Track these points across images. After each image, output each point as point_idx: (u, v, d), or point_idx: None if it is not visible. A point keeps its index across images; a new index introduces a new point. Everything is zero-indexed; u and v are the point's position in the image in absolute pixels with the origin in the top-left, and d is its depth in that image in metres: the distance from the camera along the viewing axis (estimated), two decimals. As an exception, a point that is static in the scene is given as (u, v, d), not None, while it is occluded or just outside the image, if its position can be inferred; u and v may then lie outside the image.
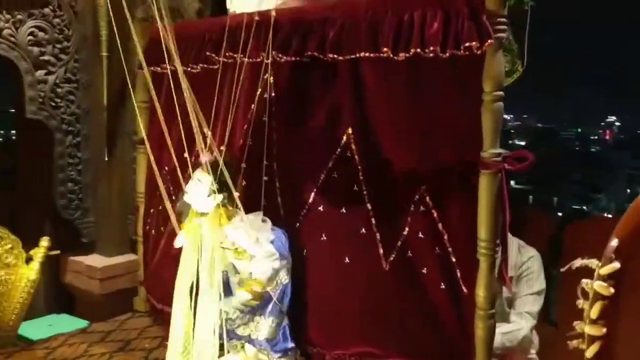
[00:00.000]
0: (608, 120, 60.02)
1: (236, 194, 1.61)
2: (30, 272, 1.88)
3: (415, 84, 1.51)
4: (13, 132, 4.19)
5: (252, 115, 1.73)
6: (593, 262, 0.98)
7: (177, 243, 1.70)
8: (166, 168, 2.01)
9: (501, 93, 1.37)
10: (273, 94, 1.71)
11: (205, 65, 1.80)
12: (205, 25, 1.78)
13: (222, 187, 1.62)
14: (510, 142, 48.66)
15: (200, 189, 1.57)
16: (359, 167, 1.63)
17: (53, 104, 3.10)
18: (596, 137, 53.72)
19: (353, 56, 1.55)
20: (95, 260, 3.18)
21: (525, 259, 2.21)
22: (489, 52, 1.35)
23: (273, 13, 1.62)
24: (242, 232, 1.61)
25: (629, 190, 39.39)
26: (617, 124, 58.63)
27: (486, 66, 1.36)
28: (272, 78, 1.72)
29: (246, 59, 1.72)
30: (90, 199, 3.28)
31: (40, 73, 3.04)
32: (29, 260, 1.93)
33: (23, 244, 3.18)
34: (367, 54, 1.52)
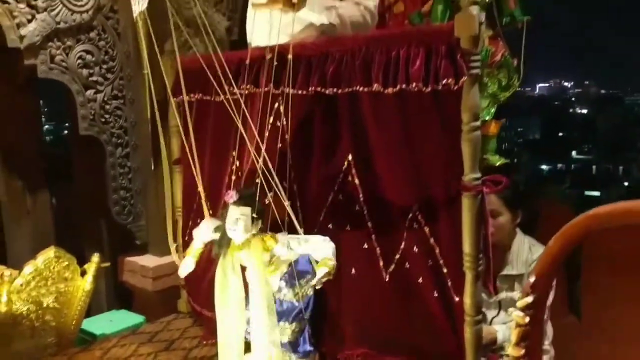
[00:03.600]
0: (678, 82, 56.50)
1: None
2: (85, 284, 2.16)
3: (404, 115, 1.66)
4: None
5: (268, 141, 1.93)
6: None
7: (182, 272, 1.93)
8: (201, 186, 2.24)
9: (477, 124, 1.51)
10: (284, 122, 1.90)
11: (226, 96, 2.00)
12: (225, 58, 1.97)
13: (259, 214, 1.79)
14: (571, 110, 47.01)
15: (240, 224, 1.74)
16: (360, 190, 1.80)
17: (103, 119, 3.39)
18: (665, 102, 50.90)
19: (350, 89, 1.72)
20: (147, 260, 3.48)
21: (535, 256, 2.32)
22: (465, 87, 1.48)
23: (289, 54, 1.79)
24: (286, 240, 1.80)
25: (702, 156, 37.40)
26: (689, 86, 55.12)
27: (463, 100, 1.50)
28: (281, 107, 1.91)
29: (260, 90, 1.91)
30: (141, 204, 3.57)
31: (89, 92, 3.33)
32: (83, 273, 2.21)
33: (85, 249, 3.55)
34: (362, 88, 1.69)
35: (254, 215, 1.75)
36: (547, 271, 0.99)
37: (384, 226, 1.78)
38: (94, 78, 3.34)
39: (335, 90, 1.75)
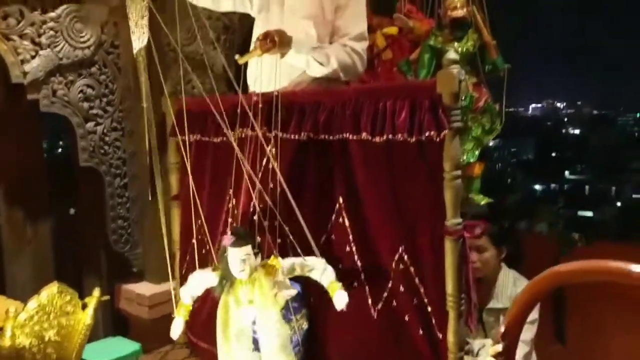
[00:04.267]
0: (670, 102, 56.96)
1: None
2: (85, 317, 2.24)
3: (391, 162, 1.77)
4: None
5: (262, 183, 2.03)
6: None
7: (173, 334, 2.02)
8: (199, 222, 2.33)
9: (458, 172, 1.61)
10: (278, 165, 2.00)
11: (222, 138, 2.11)
12: (222, 101, 2.08)
13: (258, 248, 1.90)
14: (564, 130, 47.41)
15: (247, 264, 1.85)
16: (350, 231, 1.90)
17: (102, 151, 3.49)
18: (657, 122, 51.33)
19: (341, 136, 1.83)
20: (144, 288, 3.55)
21: (519, 290, 2.41)
22: (446, 139, 1.59)
23: (284, 101, 1.91)
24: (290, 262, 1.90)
25: (694, 177, 37.67)
26: (680, 106, 55.64)
27: (445, 150, 1.60)
28: (276, 151, 2.01)
29: (255, 134, 2.02)
30: (138, 233, 3.65)
31: (90, 125, 3.43)
32: (84, 306, 2.29)
33: (83, 276, 3.62)
34: (351, 136, 1.79)
35: (255, 250, 1.85)
36: (516, 321, 1.08)
37: (373, 266, 1.87)
38: (95, 111, 3.44)
39: (326, 136, 1.85)
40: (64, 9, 3.23)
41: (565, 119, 52.58)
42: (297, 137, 1.91)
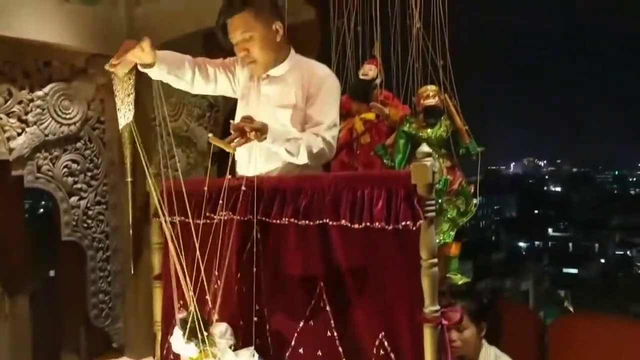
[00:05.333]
0: (645, 161, 58.26)
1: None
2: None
3: (370, 249, 1.81)
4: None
5: (243, 265, 2.05)
6: None
7: None
8: (181, 302, 2.33)
9: (435, 260, 1.66)
10: (260, 248, 2.03)
11: (206, 221, 2.14)
12: (207, 184, 2.13)
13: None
14: (545, 188, 48.14)
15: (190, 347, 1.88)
16: (331, 316, 1.92)
17: (85, 225, 3.49)
18: (635, 179, 52.40)
19: (321, 222, 1.87)
20: (124, 363, 3.50)
21: (501, 367, 2.42)
22: (422, 229, 1.64)
23: (266, 186, 1.97)
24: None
25: (674, 233, 38.17)
26: (655, 164, 56.93)
27: (421, 239, 1.65)
28: (258, 235, 2.05)
29: (237, 217, 2.06)
30: (119, 307, 3.62)
31: (73, 199, 3.45)
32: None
33: (63, 353, 3.55)
34: (331, 222, 1.84)
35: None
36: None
37: (354, 351, 1.87)
38: (79, 185, 3.47)
39: (307, 221, 1.90)
40: (52, 87, 3.32)
41: (546, 177, 53.56)
42: (278, 221, 1.95)
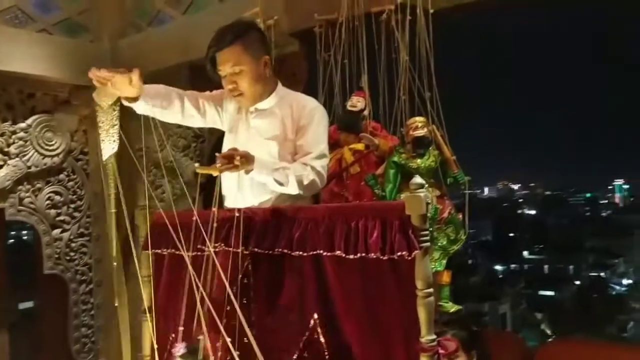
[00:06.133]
0: (615, 183, 59.65)
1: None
2: None
3: (365, 279, 1.82)
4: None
5: (234, 297, 2.04)
6: None
7: None
8: (172, 335, 2.31)
9: (431, 290, 1.68)
10: (252, 280, 2.03)
11: (197, 253, 2.13)
12: (198, 216, 2.12)
13: None
14: (519, 211, 48.77)
15: None
16: (325, 347, 1.91)
17: (68, 257, 3.44)
18: (606, 202, 53.41)
19: (315, 252, 1.88)
20: (107, 400, 3.42)
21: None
22: (417, 259, 1.66)
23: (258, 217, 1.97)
24: None
25: (645, 254, 38.93)
26: (625, 186, 58.27)
27: (416, 270, 1.67)
28: (250, 266, 2.05)
29: (229, 249, 2.05)
30: (102, 341, 3.55)
31: (56, 232, 3.40)
32: None
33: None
34: (325, 253, 1.85)
35: None
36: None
37: (349, 383, 1.88)
38: (62, 217, 3.43)
39: (300, 252, 1.91)
40: (35, 119, 3.30)
41: (520, 200, 54.30)
42: (271, 252, 1.96)
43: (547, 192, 58.51)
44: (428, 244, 1.68)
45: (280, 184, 2.08)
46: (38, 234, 3.34)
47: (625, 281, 34.87)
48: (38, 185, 3.33)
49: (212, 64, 2.18)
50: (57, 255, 3.38)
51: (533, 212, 47.79)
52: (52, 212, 3.38)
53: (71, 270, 3.45)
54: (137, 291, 3.61)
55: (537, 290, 30.64)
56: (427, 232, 1.68)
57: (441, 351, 1.66)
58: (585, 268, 34.57)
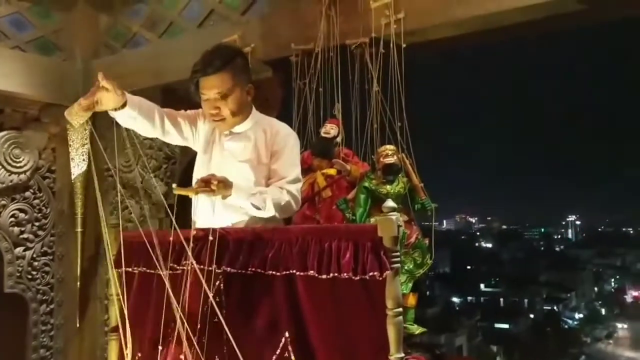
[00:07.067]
0: (569, 219, 61.35)
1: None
2: None
3: (336, 298, 1.88)
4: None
5: (205, 316, 2.07)
6: None
7: None
8: (139, 354, 2.30)
9: (400, 310, 1.75)
10: (224, 298, 2.06)
11: (169, 272, 2.15)
12: (170, 235, 2.14)
13: None
14: (477, 244, 49.67)
15: None
16: (295, 366, 1.96)
17: (29, 276, 3.38)
18: (559, 237, 54.87)
19: (287, 272, 1.94)
20: None
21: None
22: (388, 279, 1.74)
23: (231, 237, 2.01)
24: None
25: (596, 289, 40.11)
26: (578, 222, 59.97)
27: (387, 289, 1.74)
28: (222, 285, 2.08)
29: (202, 267, 2.08)
30: (61, 363, 3.47)
31: (19, 250, 3.34)
32: None
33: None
34: (298, 273, 1.91)
35: None
36: None
37: (318, 401, 1.91)
38: (25, 235, 3.38)
39: (273, 272, 1.95)
40: (3, 135, 3.27)
41: (478, 233, 55.34)
42: (244, 272, 2.00)
43: (504, 226, 59.86)
44: (399, 265, 1.76)
45: (258, 208, 2.13)
46: (0, 252, 3.27)
47: (577, 315, 35.77)
48: (2, 202, 3.28)
49: (196, 86, 2.21)
50: (18, 274, 3.32)
51: (490, 245, 48.76)
52: (16, 229, 3.33)
53: (32, 290, 3.38)
54: (98, 312, 3.58)
55: (492, 322, 31.11)
56: (397, 254, 1.75)
57: (409, 369, 1.73)
58: (540, 301, 35.34)
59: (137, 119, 2.17)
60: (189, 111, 2.41)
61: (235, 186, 2.07)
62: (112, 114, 2.13)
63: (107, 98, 2.03)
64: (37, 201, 3.44)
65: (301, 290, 1.94)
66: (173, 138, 2.37)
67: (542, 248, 47.95)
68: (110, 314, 2.49)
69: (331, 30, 2.60)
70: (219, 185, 1.99)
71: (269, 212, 2.14)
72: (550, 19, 2.33)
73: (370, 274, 1.74)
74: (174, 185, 2.05)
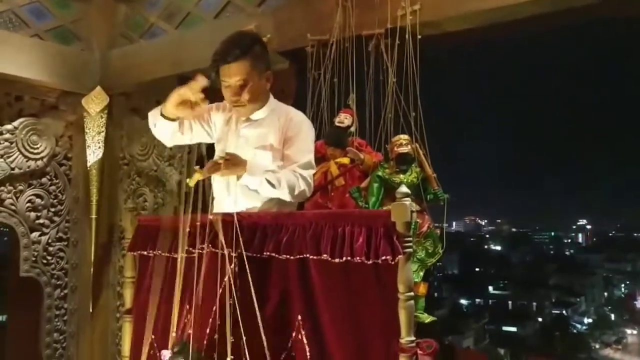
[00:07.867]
0: (579, 223, 60.81)
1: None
2: None
3: (349, 282, 1.91)
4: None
5: (220, 298, 2.10)
6: None
7: None
8: (153, 336, 2.34)
9: (411, 294, 1.77)
10: (238, 282, 2.09)
11: (184, 255, 2.19)
12: (185, 220, 2.18)
13: None
14: (486, 247, 49.47)
15: None
16: (307, 348, 1.98)
17: (45, 261, 3.43)
18: (569, 241, 54.45)
19: (301, 256, 1.97)
20: (76, 407, 3.38)
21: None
22: (400, 264, 1.76)
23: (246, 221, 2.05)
24: None
25: (606, 294, 39.83)
26: (588, 227, 59.47)
27: (399, 274, 1.77)
28: (237, 268, 2.11)
29: (218, 251, 2.12)
30: (73, 347, 3.52)
31: (35, 235, 3.40)
32: None
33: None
34: (311, 257, 1.94)
35: None
36: None
37: (330, 382, 1.94)
38: (41, 221, 3.43)
39: (287, 256, 1.98)
40: (21, 122, 3.32)
41: (487, 236, 55.09)
42: (259, 255, 2.03)
43: (513, 229, 59.56)
44: (411, 250, 1.79)
45: (272, 185, 2.15)
46: (17, 236, 3.32)
47: (586, 319, 35.53)
48: (20, 187, 3.34)
49: (216, 73, 2.25)
50: (34, 259, 3.38)
51: (499, 247, 48.54)
52: (32, 214, 3.38)
53: (47, 274, 3.43)
54: (110, 298, 3.63)
55: (500, 325, 30.99)
56: (410, 239, 1.78)
57: (420, 352, 1.75)
58: (548, 305, 35.14)
59: (176, 134, 2.33)
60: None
61: (250, 164, 2.10)
62: (163, 121, 2.25)
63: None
64: (53, 187, 3.49)
65: (314, 274, 1.97)
66: (183, 139, 2.43)
67: (552, 252, 47.62)
68: (125, 296, 2.54)
69: (347, 21, 2.62)
70: (226, 163, 2.03)
71: (282, 191, 2.17)
72: (566, 12, 2.34)
73: (383, 257, 1.77)
74: (187, 180, 2.09)
